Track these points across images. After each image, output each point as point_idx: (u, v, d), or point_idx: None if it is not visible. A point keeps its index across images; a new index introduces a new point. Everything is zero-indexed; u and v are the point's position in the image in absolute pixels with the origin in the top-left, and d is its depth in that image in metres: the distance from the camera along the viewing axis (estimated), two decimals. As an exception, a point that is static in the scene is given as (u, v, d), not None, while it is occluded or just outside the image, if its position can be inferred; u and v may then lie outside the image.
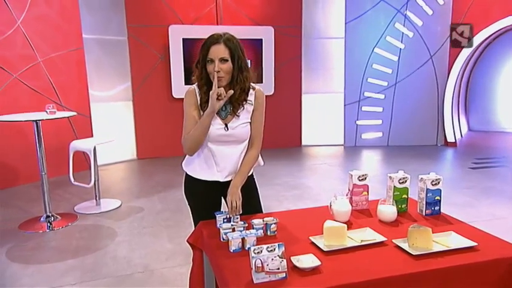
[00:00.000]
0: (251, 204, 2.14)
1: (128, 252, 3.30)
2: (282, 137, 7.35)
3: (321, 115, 7.57)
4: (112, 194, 4.87)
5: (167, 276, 2.86)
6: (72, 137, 5.34)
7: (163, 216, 4.05)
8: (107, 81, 6.38)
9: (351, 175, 2.16)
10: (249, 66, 2.09)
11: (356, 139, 7.47)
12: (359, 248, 1.68)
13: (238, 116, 2.03)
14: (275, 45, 6.92)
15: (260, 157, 2.20)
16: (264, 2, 7.00)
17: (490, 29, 6.71)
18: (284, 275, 1.44)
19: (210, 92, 1.90)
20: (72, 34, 5.80)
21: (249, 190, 2.19)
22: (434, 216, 2.06)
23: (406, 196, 2.12)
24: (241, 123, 2.04)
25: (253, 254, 1.42)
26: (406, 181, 2.11)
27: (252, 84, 2.07)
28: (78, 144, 4.20)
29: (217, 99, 1.90)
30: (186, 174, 2.13)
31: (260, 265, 1.42)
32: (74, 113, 4.33)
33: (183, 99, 2.07)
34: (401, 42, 7.10)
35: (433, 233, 1.76)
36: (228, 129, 2.01)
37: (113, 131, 6.03)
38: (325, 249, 1.65)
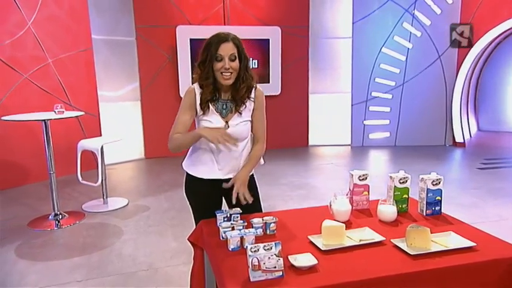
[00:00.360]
0: (251, 204, 2.16)
1: (133, 250, 3.34)
2: (288, 136, 7.36)
3: (328, 115, 7.56)
4: (119, 193, 4.93)
5: (171, 274, 2.90)
6: (81, 136, 5.40)
7: (169, 215, 4.09)
8: (116, 81, 6.46)
9: (352, 175, 2.17)
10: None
11: (363, 139, 7.45)
12: (357, 248, 1.69)
13: (240, 113, 2.06)
14: (282, 45, 6.94)
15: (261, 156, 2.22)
16: (271, 2, 7.02)
17: (500, 28, 6.64)
18: (281, 273, 1.45)
19: (223, 138, 1.87)
20: (82, 35, 5.88)
21: (249, 189, 2.21)
22: (435, 216, 2.06)
23: (406, 196, 2.11)
24: (242, 121, 2.06)
25: (250, 253, 1.43)
26: (406, 181, 2.11)
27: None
28: (85, 144, 4.26)
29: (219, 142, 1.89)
30: (187, 173, 2.16)
31: (257, 263, 1.43)
32: (82, 113, 4.40)
33: None
34: (409, 41, 7.06)
35: (432, 233, 1.78)
36: (228, 126, 2.03)
37: (121, 131, 6.10)
38: (323, 248, 1.66)
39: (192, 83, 2.09)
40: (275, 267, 1.45)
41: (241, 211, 1.94)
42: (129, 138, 6.45)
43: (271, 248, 1.46)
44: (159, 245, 3.42)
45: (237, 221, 1.85)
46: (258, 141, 2.16)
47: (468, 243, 1.69)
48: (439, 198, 2.09)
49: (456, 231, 1.81)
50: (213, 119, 2.03)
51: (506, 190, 4.85)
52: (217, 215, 1.89)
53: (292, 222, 1.97)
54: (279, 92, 7.06)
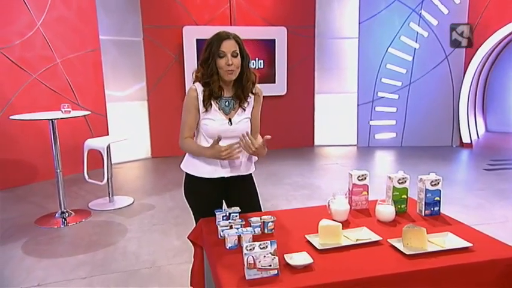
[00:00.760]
0: (250, 204, 2.18)
1: (137, 248, 3.39)
2: (294, 136, 7.38)
3: (334, 115, 7.55)
4: (125, 192, 4.99)
5: (173, 272, 2.93)
6: (89, 136, 5.46)
7: (173, 214, 4.13)
8: (123, 81, 6.52)
9: (351, 175, 2.18)
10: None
11: (369, 139, 7.43)
12: (353, 247, 1.70)
13: (244, 109, 2.11)
14: (288, 45, 6.95)
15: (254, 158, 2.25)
16: (277, 2, 7.03)
17: (508, 28, 6.58)
18: (276, 272, 1.47)
19: (227, 151, 1.97)
20: (89, 35, 5.95)
21: (249, 190, 2.24)
22: (434, 216, 2.07)
23: (405, 196, 2.12)
24: (244, 118, 2.11)
25: (245, 251, 1.45)
26: (405, 181, 2.12)
27: None
28: (91, 143, 4.32)
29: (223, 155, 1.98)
30: (187, 174, 2.18)
31: (252, 262, 1.45)
32: (88, 112, 4.46)
33: None
34: (416, 42, 7.03)
35: (430, 233, 1.78)
36: (231, 123, 2.07)
37: (128, 130, 6.17)
38: (319, 247, 1.68)
39: (194, 82, 2.11)
40: (270, 265, 1.47)
41: (240, 210, 1.96)
42: (136, 137, 6.52)
43: (266, 247, 1.47)
44: (162, 244, 3.46)
45: (235, 219, 1.88)
46: (254, 134, 2.23)
47: (465, 243, 1.70)
48: (438, 198, 2.10)
49: (454, 231, 1.82)
50: (215, 117, 2.06)
51: (512, 191, 4.82)
52: (217, 213, 1.91)
53: (290, 222, 1.99)
54: (284, 92, 7.07)
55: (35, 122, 4.83)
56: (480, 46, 6.81)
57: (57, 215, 4.12)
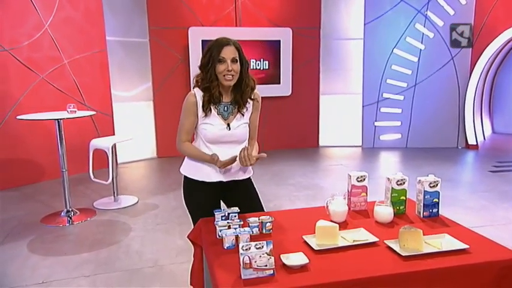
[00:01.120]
0: (252, 206, 2.20)
1: (140, 247, 3.43)
2: (299, 137, 7.39)
3: (339, 116, 7.55)
4: (130, 191, 5.04)
5: (175, 271, 2.97)
6: (95, 135, 5.52)
7: (177, 214, 4.17)
8: (129, 82, 6.58)
9: (350, 176, 2.20)
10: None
11: (374, 140, 7.41)
12: (350, 248, 1.72)
13: (243, 115, 2.13)
14: (293, 46, 6.96)
15: None
16: (282, 3, 7.05)
17: (515, 28, 6.55)
18: (272, 271, 1.49)
19: (220, 163, 2.05)
20: (96, 36, 6.02)
21: (249, 193, 2.26)
22: (432, 218, 2.07)
23: (404, 198, 2.13)
24: (242, 123, 2.13)
25: (241, 251, 1.48)
26: (404, 183, 2.12)
27: None
28: (97, 143, 4.38)
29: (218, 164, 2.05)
30: (185, 177, 2.21)
31: (248, 262, 1.47)
32: (93, 112, 4.52)
33: None
34: (422, 43, 7.00)
35: (428, 234, 1.79)
36: (230, 129, 2.09)
37: (134, 130, 6.22)
38: (316, 248, 1.69)
39: (194, 87, 2.14)
40: (266, 265, 1.49)
41: (239, 210, 1.99)
42: (141, 137, 6.58)
43: (262, 247, 1.50)
44: (165, 243, 3.50)
45: (233, 219, 1.90)
46: (252, 139, 2.27)
47: (461, 245, 1.71)
48: (437, 200, 2.09)
49: (451, 233, 1.83)
50: (214, 122, 2.09)
51: (517, 193, 4.80)
52: (216, 213, 1.94)
53: (288, 222, 2.01)
54: (289, 93, 7.09)
55: (42, 122, 4.89)
56: (486, 47, 6.77)
57: (62, 213, 4.17)
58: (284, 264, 1.55)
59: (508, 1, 6.61)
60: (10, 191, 5.10)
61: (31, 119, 3.95)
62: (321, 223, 1.81)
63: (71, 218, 4.11)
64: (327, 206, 2.06)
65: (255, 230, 1.84)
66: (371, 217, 2.08)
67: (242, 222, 1.86)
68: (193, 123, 2.13)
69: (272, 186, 5.08)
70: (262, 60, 6.89)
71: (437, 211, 2.10)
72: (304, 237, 1.79)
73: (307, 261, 1.56)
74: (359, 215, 2.14)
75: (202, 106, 2.08)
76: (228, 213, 1.96)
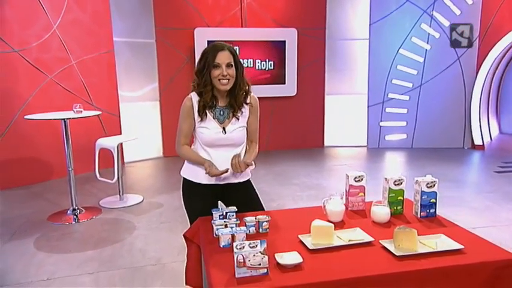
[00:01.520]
0: (252, 207, 2.23)
1: (143, 245, 3.48)
2: (304, 137, 7.40)
3: (344, 116, 7.55)
4: (136, 190, 5.10)
5: (177, 269, 3.00)
6: (102, 135, 5.58)
7: (181, 212, 4.15)
8: (136, 82, 6.65)
9: (347, 176, 2.22)
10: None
11: (379, 141, 7.40)
12: (345, 248, 1.73)
13: (237, 119, 2.15)
14: (298, 46, 6.98)
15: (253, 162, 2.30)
16: (288, 4, 7.07)
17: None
18: (265, 270, 1.51)
19: (211, 173, 2.08)
20: (104, 37, 6.09)
21: (248, 194, 2.29)
22: (429, 218, 2.07)
23: (401, 198, 2.14)
24: (239, 127, 2.16)
25: (235, 250, 1.50)
26: (401, 183, 2.14)
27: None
28: (102, 142, 4.44)
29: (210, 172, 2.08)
30: (184, 179, 2.25)
31: (242, 260, 1.50)
32: (99, 112, 4.58)
33: None
34: (427, 43, 6.97)
35: (424, 235, 1.80)
36: (225, 132, 2.13)
37: (140, 130, 6.29)
38: (311, 247, 1.71)
39: (192, 91, 2.18)
40: (260, 264, 1.51)
41: (236, 209, 2.02)
42: (148, 137, 6.65)
43: (256, 246, 1.52)
44: (168, 241, 3.54)
45: (231, 219, 1.93)
46: (252, 142, 2.28)
47: (456, 245, 1.72)
48: (434, 200, 2.10)
49: (447, 233, 1.83)
50: (210, 126, 2.13)
51: (522, 194, 4.76)
52: (213, 212, 1.97)
53: (286, 222, 2.04)
54: (294, 93, 7.10)
55: (50, 122, 4.98)
56: (493, 46, 6.72)
57: (68, 211, 4.24)
58: (278, 263, 1.57)
59: (515, 0, 6.56)
60: (19, 189, 5.19)
61: (38, 118, 4.02)
62: (317, 223, 1.82)
63: (77, 216, 4.18)
64: (324, 206, 2.08)
65: (252, 229, 1.87)
66: (368, 217, 2.09)
67: (239, 222, 1.89)
68: (190, 127, 2.18)
69: (276, 186, 5.11)
70: (267, 60, 6.92)
71: (435, 211, 2.11)
72: (299, 236, 1.81)
73: (300, 260, 1.58)
74: (356, 214, 2.16)
75: (198, 111, 2.12)
76: (226, 212, 1.99)
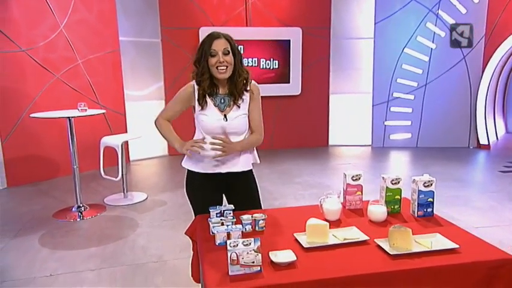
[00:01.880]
0: (249, 199, 2.25)
1: (145, 242, 3.52)
2: (308, 136, 7.40)
3: (349, 115, 7.54)
4: (140, 188, 5.15)
5: (178, 267, 3.04)
6: (108, 133, 5.60)
7: (184, 210, 4.24)
8: (141, 81, 6.70)
9: (345, 175, 2.23)
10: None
11: (384, 140, 7.38)
12: (340, 246, 1.74)
13: (238, 106, 2.16)
14: (303, 46, 6.98)
15: (257, 155, 2.30)
16: (292, 3, 7.07)
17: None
18: (259, 268, 1.52)
19: (192, 144, 2.10)
20: (110, 37, 6.15)
21: (248, 185, 2.29)
22: (427, 218, 2.07)
23: (398, 197, 2.14)
24: (240, 114, 2.16)
25: (229, 248, 1.51)
26: (398, 182, 2.14)
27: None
28: (107, 140, 4.49)
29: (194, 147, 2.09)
30: (188, 171, 2.27)
31: (235, 258, 1.51)
32: (103, 111, 4.62)
33: None
34: (433, 42, 6.93)
35: (420, 234, 1.81)
36: (227, 119, 2.13)
37: (146, 129, 6.31)
38: (306, 245, 1.72)
39: (191, 81, 2.20)
40: (253, 262, 1.52)
41: (233, 207, 2.03)
42: (153, 135, 6.67)
43: (250, 244, 1.53)
44: (170, 239, 3.58)
45: (227, 217, 1.95)
46: (255, 131, 2.24)
47: (451, 245, 1.71)
48: (431, 200, 2.10)
49: (444, 233, 1.83)
50: (211, 113, 2.13)
51: (526, 194, 4.73)
52: (211, 210, 1.99)
53: (282, 220, 2.05)
54: (299, 92, 7.11)
55: (56, 121, 5.03)
56: (499, 45, 6.65)
57: (73, 209, 4.30)
58: (272, 261, 1.58)
59: (523, -1, 6.50)
60: (27, 186, 5.27)
61: (43, 117, 4.08)
62: (312, 221, 1.84)
63: (81, 213, 4.23)
64: (321, 204, 2.09)
65: (248, 228, 1.89)
66: (365, 216, 2.10)
67: (235, 220, 1.90)
68: (177, 112, 2.23)
69: (279, 185, 5.13)
70: (272, 59, 6.93)
71: (432, 210, 2.11)
72: (295, 235, 1.82)
73: (294, 258, 1.59)
74: (353, 213, 2.16)
75: (198, 100, 2.14)
76: (223, 211, 2.00)
